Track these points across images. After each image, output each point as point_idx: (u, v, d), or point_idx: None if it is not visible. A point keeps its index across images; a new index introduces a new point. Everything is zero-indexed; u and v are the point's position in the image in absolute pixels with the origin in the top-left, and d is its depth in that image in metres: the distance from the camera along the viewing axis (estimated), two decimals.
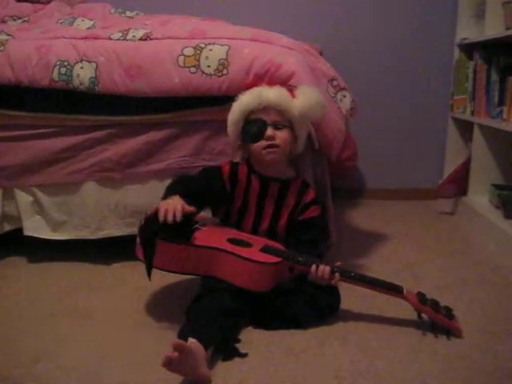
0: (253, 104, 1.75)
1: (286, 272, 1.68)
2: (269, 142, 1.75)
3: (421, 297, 1.64)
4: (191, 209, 1.57)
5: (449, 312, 1.62)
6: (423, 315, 1.63)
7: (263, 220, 1.84)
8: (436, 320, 1.61)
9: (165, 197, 1.63)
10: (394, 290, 1.67)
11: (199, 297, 1.59)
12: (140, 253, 1.65)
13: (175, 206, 1.54)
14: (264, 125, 1.75)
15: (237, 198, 1.84)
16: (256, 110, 1.76)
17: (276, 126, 1.76)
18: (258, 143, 1.76)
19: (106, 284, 1.98)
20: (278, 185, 1.83)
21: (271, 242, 1.74)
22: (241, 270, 1.60)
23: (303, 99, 1.76)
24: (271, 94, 1.75)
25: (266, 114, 1.76)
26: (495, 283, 2.03)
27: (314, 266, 1.63)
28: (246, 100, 1.76)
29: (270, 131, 1.75)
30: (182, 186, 1.70)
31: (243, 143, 1.83)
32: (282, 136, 1.77)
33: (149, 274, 1.60)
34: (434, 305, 1.62)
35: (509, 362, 1.48)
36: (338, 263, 1.70)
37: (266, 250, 1.67)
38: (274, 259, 1.63)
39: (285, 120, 1.78)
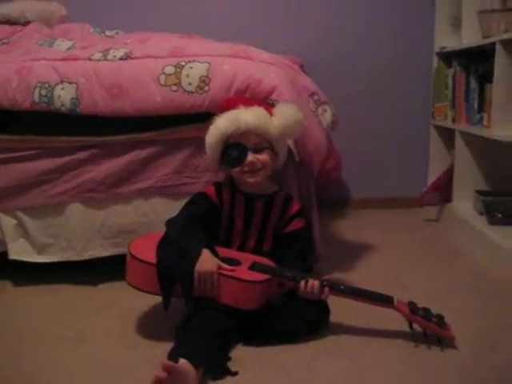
0: (231, 129, 1.72)
1: (276, 288, 1.67)
2: (249, 169, 1.75)
3: (412, 306, 1.64)
4: (223, 266, 1.62)
5: (441, 320, 1.62)
6: (415, 325, 1.63)
7: (250, 237, 1.83)
8: (428, 329, 1.61)
9: (182, 247, 1.64)
10: (384, 300, 1.66)
11: (189, 317, 1.59)
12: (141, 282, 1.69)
13: (212, 277, 1.59)
14: (244, 150, 1.74)
15: (223, 218, 1.83)
16: (235, 134, 1.73)
17: (256, 149, 1.75)
18: (239, 168, 1.76)
19: (94, 306, 1.96)
20: (263, 201, 1.83)
21: (260, 259, 1.74)
22: (230, 289, 1.60)
23: (281, 118, 1.75)
24: (249, 117, 1.72)
25: (246, 139, 1.74)
26: (482, 290, 2.04)
27: (303, 282, 1.63)
28: (223, 125, 1.73)
29: (250, 156, 1.74)
30: (195, 230, 1.70)
31: (223, 166, 1.83)
32: (263, 159, 1.76)
33: (166, 307, 1.63)
34: (426, 313, 1.62)
35: (499, 371, 1.49)
36: (326, 277, 1.70)
37: (254, 267, 1.67)
38: (263, 277, 1.63)
39: (264, 141, 1.76)
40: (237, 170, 1.77)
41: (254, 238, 1.83)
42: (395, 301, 1.65)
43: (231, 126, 1.72)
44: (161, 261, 1.61)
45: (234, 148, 1.75)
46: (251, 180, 1.77)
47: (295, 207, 1.86)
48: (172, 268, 1.59)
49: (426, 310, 1.63)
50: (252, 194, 1.82)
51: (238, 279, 1.60)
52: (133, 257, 1.69)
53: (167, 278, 1.60)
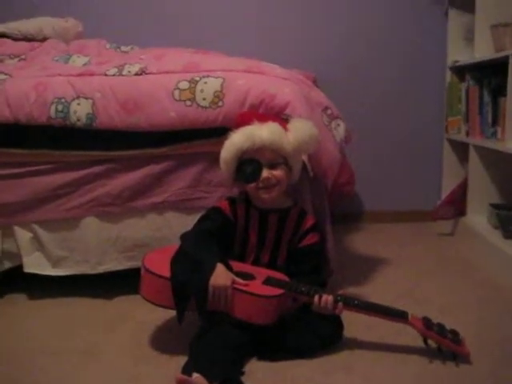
0: (246, 145, 1.73)
1: (290, 303, 1.67)
2: (264, 185, 1.75)
3: (426, 322, 1.63)
4: (237, 280, 1.62)
5: (455, 336, 1.60)
6: (430, 341, 1.62)
7: (264, 251, 1.84)
8: (442, 345, 1.60)
9: (196, 261, 1.64)
10: (398, 315, 1.65)
11: (203, 331, 1.60)
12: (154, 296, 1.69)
13: (226, 292, 1.59)
14: (259, 166, 1.75)
15: (238, 232, 1.84)
16: (250, 150, 1.74)
17: (271, 165, 1.76)
18: (254, 184, 1.77)
19: (109, 319, 1.97)
20: (277, 216, 1.83)
21: (274, 273, 1.74)
22: (244, 303, 1.60)
23: (296, 134, 1.75)
24: (264, 133, 1.72)
25: (261, 155, 1.74)
26: (497, 304, 2.03)
27: (317, 297, 1.63)
28: (238, 141, 1.74)
29: (265, 173, 1.74)
30: (209, 245, 1.71)
31: (238, 182, 1.83)
32: (278, 174, 1.76)
33: (180, 321, 1.63)
34: (440, 329, 1.61)
35: None
36: (340, 291, 1.70)
37: (268, 282, 1.67)
38: (277, 291, 1.63)
39: (279, 157, 1.77)
40: (252, 185, 1.77)
41: (268, 252, 1.84)
42: (410, 316, 1.65)
43: (246, 141, 1.72)
44: (175, 275, 1.62)
45: (249, 164, 1.76)
46: (266, 196, 1.78)
47: (309, 222, 1.86)
48: (186, 282, 1.60)
49: (441, 326, 1.62)
50: (266, 209, 1.83)
51: (252, 294, 1.60)
52: (147, 271, 1.70)
53: (181, 292, 1.61)
